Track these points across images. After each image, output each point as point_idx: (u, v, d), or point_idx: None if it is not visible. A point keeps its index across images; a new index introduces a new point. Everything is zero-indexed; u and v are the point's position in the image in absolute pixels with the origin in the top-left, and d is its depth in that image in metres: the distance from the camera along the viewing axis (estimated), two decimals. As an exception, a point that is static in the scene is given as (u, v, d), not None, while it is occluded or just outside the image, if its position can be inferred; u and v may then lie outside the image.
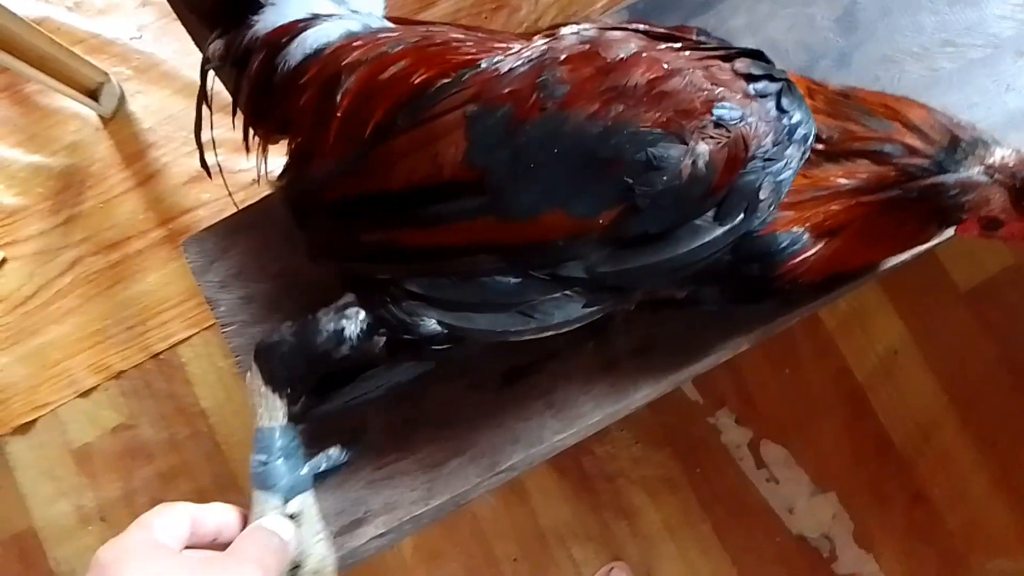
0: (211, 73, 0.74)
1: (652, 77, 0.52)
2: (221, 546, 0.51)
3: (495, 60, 0.55)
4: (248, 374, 0.60)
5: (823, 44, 0.71)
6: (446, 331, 0.57)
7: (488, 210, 0.54)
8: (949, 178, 0.55)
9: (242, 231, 0.73)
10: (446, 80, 0.55)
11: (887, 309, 1.31)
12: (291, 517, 0.59)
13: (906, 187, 0.55)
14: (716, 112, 0.51)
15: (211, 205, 1.39)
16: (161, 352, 1.36)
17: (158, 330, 1.36)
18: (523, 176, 0.53)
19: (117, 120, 1.43)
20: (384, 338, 0.58)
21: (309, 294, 0.62)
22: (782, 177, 0.53)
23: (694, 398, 1.31)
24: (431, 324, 0.56)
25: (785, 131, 0.53)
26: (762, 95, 0.53)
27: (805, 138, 0.54)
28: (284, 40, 0.61)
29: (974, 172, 0.54)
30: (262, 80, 0.63)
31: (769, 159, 0.53)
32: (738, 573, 1.26)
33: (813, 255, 0.57)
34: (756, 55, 0.55)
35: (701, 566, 1.27)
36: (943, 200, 0.55)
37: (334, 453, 0.63)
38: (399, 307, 0.57)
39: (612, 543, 1.27)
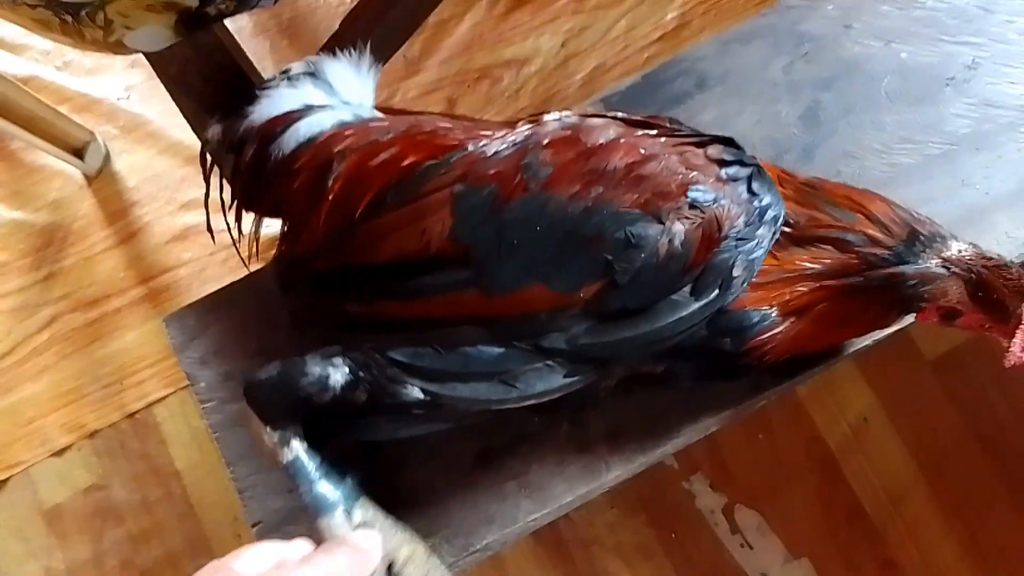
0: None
1: (631, 161, 0.55)
2: None
3: (481, 144, 0.58)
4: (252, 421, 0.61)
5: (788, 139, 0.74)
6: (428, 398, 0.58)
7: (472, 284, 0.56)
8: (908, 269, 0.58)
9: (222, 308, 0.74)
10: (434, 162, 0.58)
11: (856, 378, 1.34)
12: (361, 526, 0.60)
13: (867, 275, 0.58)
14: (691, 194, 0.54)
15: (192, 264, 1.40)
16: (137, 411, 1.34)
17: (134, 389, 1.35)
18: (506, 252, 0.55)
19: (102, 178, 1.44)
20: (367, 394, 0.59)
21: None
22: (754, 256, 0.56)
23: (669, 463, 1.32)
24: (414, 391, 0.58)
25: (756, 212, 0.56)
26: (734, 179, 0.56)
27: (775, 220, 0.57)
28: (278, 130, 0.64)
29: (932, 264, 0.58)
30: (255, 168, 0.65)
31: (741, 239, 0.56)
32: (713, 641, 1.26)
33: (780, 333, 0.59)
34: (727, 142, 0.58)
35: (676, 634, 1.26)
36: (903, 289, 0.58)
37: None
38: (383, 373, 0.58)
39: (587, 610, 1.27)
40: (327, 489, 0.59)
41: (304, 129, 0.62)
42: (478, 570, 1.28)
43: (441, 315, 0.57)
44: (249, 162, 0.64)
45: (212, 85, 0.80)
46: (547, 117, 0.58)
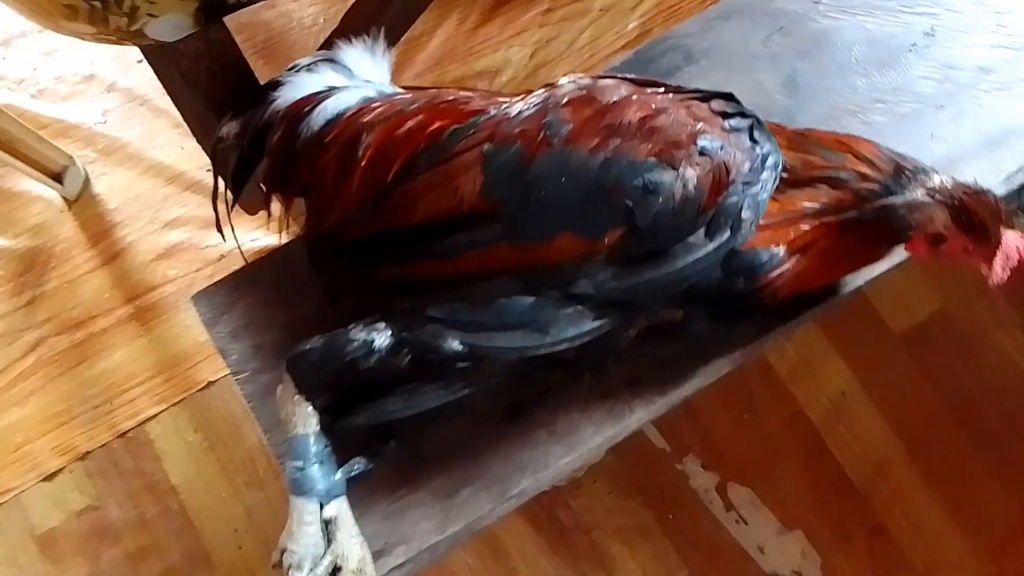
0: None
1: (643, 115, 0.60)
2: None
3: (503, 108, 0.62)
4: (279, 387, 0.63)
5: (771, 105, 0.80)
6: (467, 349, 0.61)
7: (504, 237, 0.60)
8: (897, 200, 0.63)
9: (249, 285, 0.76)
10: (460, 126, 0.62)
11: (832, 355, 1.41)
12: (327, 522, 0.62)
13: (861, 209, 0.64)
14: (700, 143, 0.59)
15: (178, 281, 1.41)
16: (128, 430, 1.33)
17: (125, 408, 1.34)
18: (535, 204, 0.59)
19: (81, 202, 1.44)
20: (409, 356, 0.62)
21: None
22: (760, 198, 0.61)
23: (661, 446, 1.36)
24: (454, 344, 0.61)
25: (759, 159, 0.61)
26: (736, 129, 0.61)
27: (775, 165, 0.62)
28: (306, 110, 0.67)
29: (918, 195, 0.63)
30: (284, 149, 0.68)
31: (747, 182, 0.60)
32: (716, 617, 1.29)
33: (788, 270, 0.64)
34: (728, 97, 0.63)
35: (680, 613, 1.29)
36: (893, 219, 0.63)
37: (361, 463, 0.66)
38: (423, 330, 0.61)
39: (593, 595, 1.29)
40: (316, 475, 0.62)
41: (332, 106, 0.65)
42: (482, 563, 1.30)
43: (475, 270, 0.61)
44: (279, 143, 0.67)
45: (219, 83, 0.83)
46: (562, 80, 0.62)
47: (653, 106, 0.60)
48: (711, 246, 0.60)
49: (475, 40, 1.58)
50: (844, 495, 1.34)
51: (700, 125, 0.60)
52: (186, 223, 1.43)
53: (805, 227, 0.64)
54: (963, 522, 1.32)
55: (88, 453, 1.32)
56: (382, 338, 0.62)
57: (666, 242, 0.60)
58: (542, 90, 0.62)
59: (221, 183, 0.81)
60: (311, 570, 0.61)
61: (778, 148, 0.63)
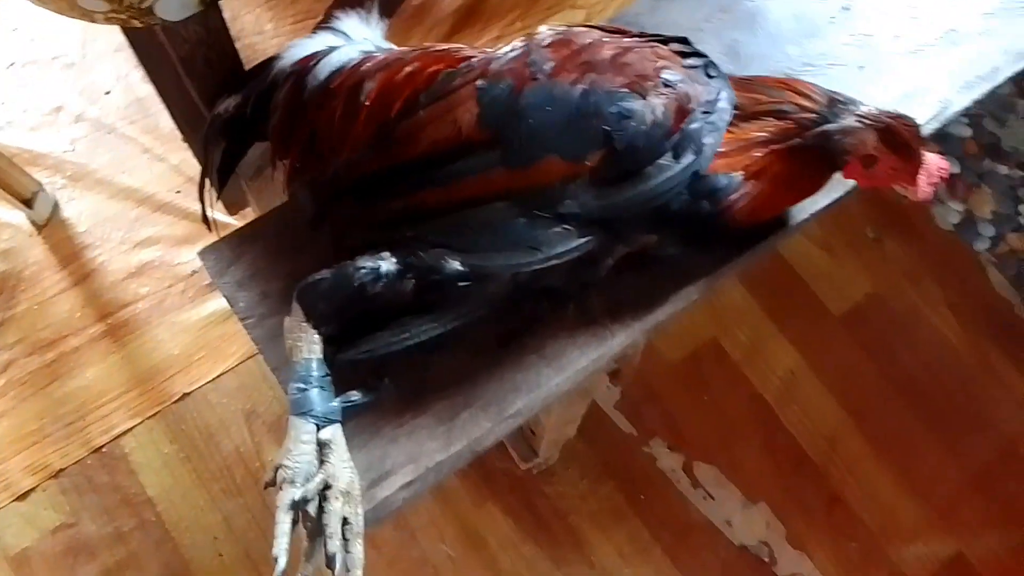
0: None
1: (614, 53, 0.69)
2: None
3: (489, 53, 0.70)
4: (287, 319, 0.68)
5: (715, 70, 0.92)
6: (468, 269, 0.68)
7: (499, 163, 0.67)
8: (833, 126, 0.73)
9: (253, 239, 0.81)
10: (454, 70, 0.70)
11: (779, 338, 1.51)
12: (321, 445, 0.66)
13: (803, 135, 0.73)
14: (664, 76, 0.68)
15: (150, 298, 1.44)
16: (103, 445, 1.34)
17: (98, 423, 1.35)
18: (525, 131, 0.66)
19: (51, 226, 1.47)
20: (413, 280, 0.68)
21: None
22: (718, 126, 0.70)
23: (628, 431, 1.43)
24: (455, 265, 0.67)
25: (715, 91, 0.70)
26: (694, 67, 0.71)
27: (729, 98, 0.71)
28: (311, 64, 0.74)
29: (851, 121, 0.73)
30: (292, 100, 0.74)
31: (706, 112, 0.69)
32: (692, 591, 1.34)
33: (746, 194, 0.73)
34: (683, 41, 0.73)
35: (657, 590, 1.34)
36: (831, 143, 0.73)
37: (357, 395, 0.71)
38: (426, 254, 0.68)
39: (572, 578, 1.33)
40: (317, 398, 0.66)
41: (335, 59, 0.72)
42: (462, 552, 1.32)
43: (473, 196, 0.68)
44: (287, 96, 0.73)
45: (214, 72, 0.89)
46: (540, 29, 0.71)
47: (622, 46, 0.69)
48: (679, 167, 0.69)
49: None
50: (802, 468, 1.43)
51: (663, 62, 0.69)
52: (157, 242, 1.47)
53: (757, 154, 0.73)
54: (912, 487, 1.42)
55: (62, 470, 1.32)
56: (388, 264, 0.68)
57: (640, 163, 0.68)
58: (523, 38, 0.71)
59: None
60: (303, 485, 0.63)
61: (729, 84, 0.72)
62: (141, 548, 1.29)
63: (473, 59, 0.70)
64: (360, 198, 0.71)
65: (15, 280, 1.43)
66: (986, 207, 1.64)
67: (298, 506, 0.62)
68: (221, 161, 0.90)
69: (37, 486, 1.31)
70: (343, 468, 0.66)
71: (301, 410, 0.66)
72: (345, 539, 0.63)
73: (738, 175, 0.72)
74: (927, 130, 0.89)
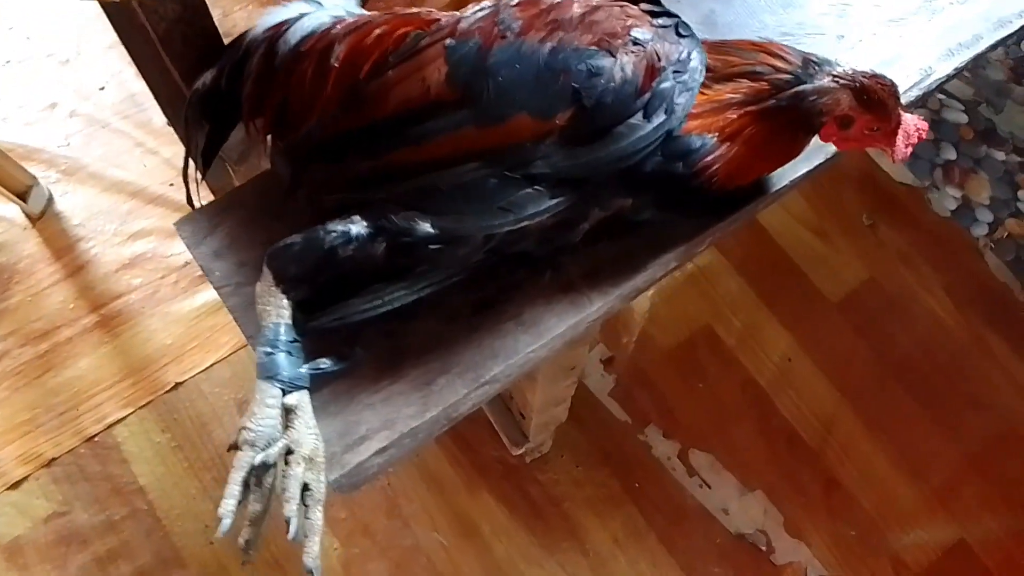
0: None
1: (583, 12, 0.68)
2: None
3: (459, 14, 0.70)
4: (258, 284, 0.68)
5: (692, 37, 0.91)
6: (439, 232, 0.67)
7: (468, 121, 0.67)
8: (807, 87, 0.72)
9: (230, 209, 0.81)
10: (423, 31, 0.70)
11: (774, 324, 1.50)
12: (287, 410, 0.65)
13: (778, 96, 0.73)
14: (633, 34, 0.68)
15: (142, 289, 1.44)
16: (95, 435, 1.34)
17: (91, 413, 1.35)
18: (494, 89, 0.66)
19: (45, 219, 1.48)
20: (384, 243, 0.68)
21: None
22: (690, 86, 0.70)
23: (622, 418, 1.42)
24: (426, 227, 0.67)
25: (685, 51, 0.70)
26: (664, 26, 0.70)
27: (701, 59, 0.71)
28: (283, 30, 0.74)
29: (825, 81, 0.73)
30: (264, 66, 0.75)
31: (677, 71, 0.69)
32: (687, 579, 1.33)
33: (721, 156, 0.72)
34: (654, 2, 0.73)
35: (653, 577, 1.32)
36: (806, 104, 0.72)
37: (328, 362, 0.70)
38: (397, 217, 0.67)
39: (566, 565, 1.31)
40: (283, 363, 0.66)
41: (306, 23, 0.72)
42: (456, 541, 1.32)
43: (444, 155, 0.67)
44: (258, 63, 0.73)
45: (192, 50, 0.89)
46: (510, -10, 0.71)
47: (591, 5, 0.69)
48: (650, 126, 0.68)
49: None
50: (797, 453, 1.42)
51: (632, 20, 0.69)
52: (149, 234, 1.47)
53: (732, 116, 0.72)
54: (909, 469, 1.40)
55: (54, 460, 1.32)
56: (358, 227, 0.68)
57: (609, 121, 0.67)
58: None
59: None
60: (264, 449, 0.63)
61: (700, 44, 0.72)
62: (133, 537, 1.29)
63: (444, 21, 0.70)
64: (332, 160, 0.71)
65: (9, 272, 1.43)
66: (983, 193, 1.63)
67: (256, 470, 0.61)
68: (205, 143, 0.90)
69: (30, 475, 1.31)
70: (307, 434, 0.65)
71: (267, 374, 0.66)
72: (305, 504, 0.62)
73: (712, 136, 0.72)
74: (909, 97, 0.88)
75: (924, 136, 0.75)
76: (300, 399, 0.67)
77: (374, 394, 0.74)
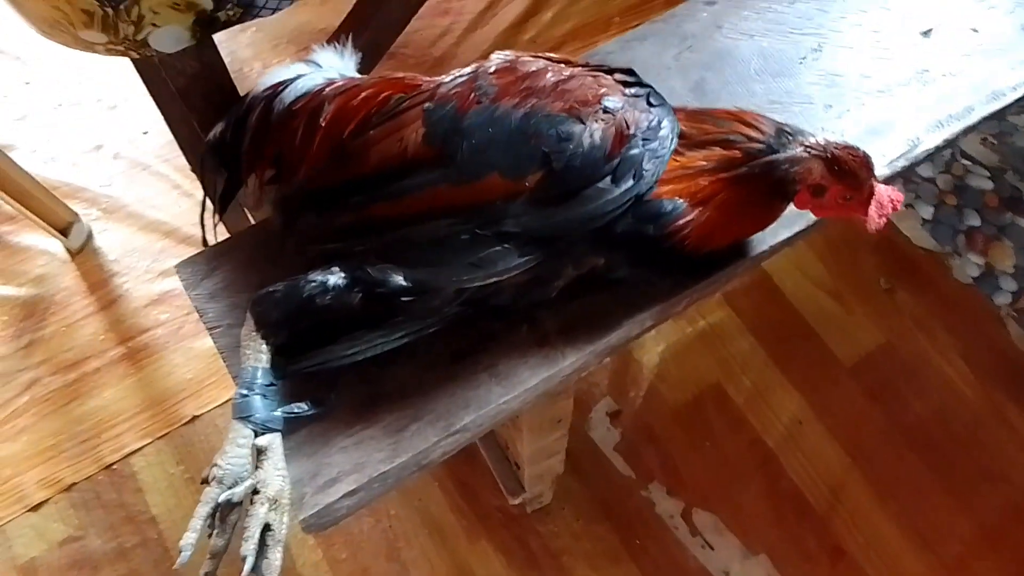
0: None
1: (557, 80, 0.72)
2: None
3: (441, 79, 0.75)
4: (243, 328, 0.72)
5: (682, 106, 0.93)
6: (411, 284, 0.71)
7: (443, 179, 0.70)
8: (779, 156, 0.74)
9: (228, 254, 0.86)
10: (405, 95, 0.74)
11: (785, 385, 1.49)
12: (259, 451, 0.68)
13: (750, 164, 0.75)
14: (604, 102, 0.71)
15: (168, 324, 1.50)
16: (113, 463, 1.39)
17: (111, 442, 1.41)
18: (468, 149, 0.70)
19: (84, 254, 1.56)
20: (360, 293, 0.71)
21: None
22: (659, 154, 0.72)
23: (627, 473, 1.41)
24: (399, 279, 0.71)
25: (655, 119, 0.73)
26: (636, 96, 0.73)
27: (671, 126, 0.74)
28: (280, 90, 0.80)
29: (798, 151, 0.75)
30: (261, 123, 0.80)
31: (646, 139, 0.72)
32: (685, 643, 1.31)
33: (692, 220, 0.75)
34: (629, 72, 0.76)
35: (649, 638, 1.30)
36: (778, 172, 0.74)
37: (303, 407, 0.73)
38: (373, 268, 0.71)
39: (561, 619, 1.31)
40: (257, 405, 0.69)
41: (300, 85, 0.78)
42: (452, 587, 1.32)
43: (420, 210, 0.71)
44: (257, 119, 0.79)
45: (211, 104, 0.96)
46: (492, 56, 0.75)
47: (565, 74, 0.72)
48: (618, 190, 0.71)
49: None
50: (804, 518, 1.39)
51: (604, 90, 0.72)
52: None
53: (703, 182, 0.75)
54: (919, 540, 1.37)
55: (73, 485, 1.38)
56: (336, 277, 0.71)
57: (578, 184, 0.70)
58: (474, 64, 0.75)
59: (210, 203, 0.92)
60: (231, 487, 0.66)
61: (672, 113, 0.75)
62: (141, 565, 1.33)
63: (426, 85, 0.75)
64: (319, 212, 0.76)
65: (47, 303, 1.51)
66: (1007, 261, 1.60)
67: (221, 507, 0.64)
68: (222, 188, 0.96)
69: (49, 499, 1.36)
70: (275, 476, 0.68)
71: (241, 414, 0.69)
72: (265, 544, 0.65)
73: (683, 201, 0.74)
74: (895, 167, 0.89)
75: (899, 207, 0.76)
76: (271, 441, 0.70)
77: (348, 437, 0.77)
